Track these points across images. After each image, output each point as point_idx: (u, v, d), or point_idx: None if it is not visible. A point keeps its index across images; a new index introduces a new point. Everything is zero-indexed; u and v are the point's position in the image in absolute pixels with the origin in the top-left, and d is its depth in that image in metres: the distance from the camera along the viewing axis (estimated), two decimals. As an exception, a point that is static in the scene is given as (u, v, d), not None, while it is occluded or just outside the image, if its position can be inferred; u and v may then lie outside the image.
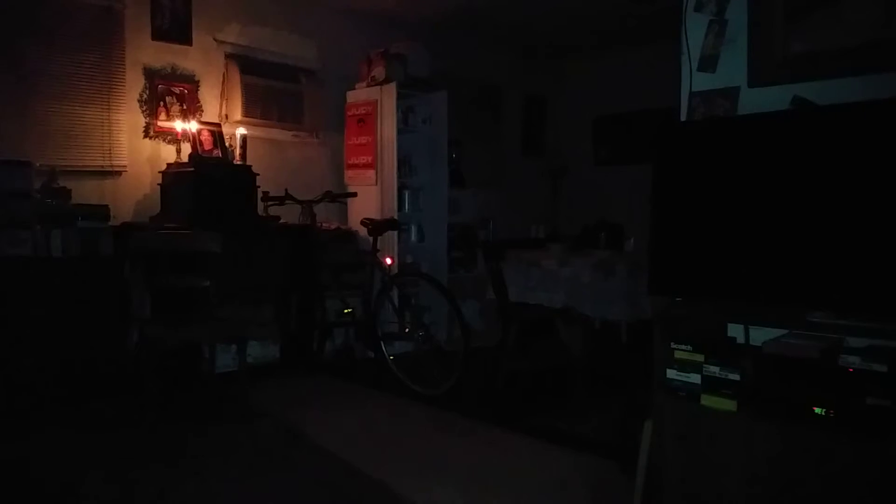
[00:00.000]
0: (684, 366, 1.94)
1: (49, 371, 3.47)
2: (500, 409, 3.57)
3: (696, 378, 1.92)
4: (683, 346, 1.96)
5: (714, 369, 1.89)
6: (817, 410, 1.70)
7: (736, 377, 1.85)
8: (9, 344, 3.40)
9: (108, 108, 4.15)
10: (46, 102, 3.92)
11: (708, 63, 2.48)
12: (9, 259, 3.43)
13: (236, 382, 3.68)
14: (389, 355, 4.14)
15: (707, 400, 1.89)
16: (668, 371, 1.97)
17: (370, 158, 4.96)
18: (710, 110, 2.44)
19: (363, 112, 5.00)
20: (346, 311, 4.38)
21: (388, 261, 4.56)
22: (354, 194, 4.87)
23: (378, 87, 4.89)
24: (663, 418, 2.00)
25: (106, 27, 4.13)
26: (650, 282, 2.16)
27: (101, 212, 3.79)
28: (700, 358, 1.92)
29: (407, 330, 4.18)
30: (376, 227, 4.27)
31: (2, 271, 3.43)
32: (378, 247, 4.31)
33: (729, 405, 1.84)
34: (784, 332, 1.93)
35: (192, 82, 4.55)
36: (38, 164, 3.71)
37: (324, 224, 4.73)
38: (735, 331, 2.15)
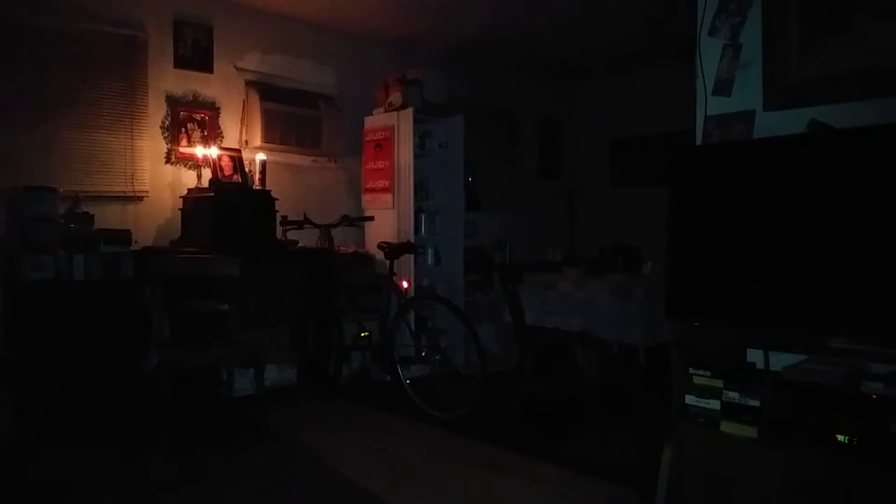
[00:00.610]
0: (703, 391, 1.93)
1: (70, 392, 3.51)
2: (516, 435, 3.54)
3: (715, 404, 1.90)
4: (702, 372, 1.94)
5: (734, 395, 1.87)
6: (840, 438, 1.68)
7: (756, 403, 1.83)
8: (31, 366, 3.45)
9: (131, 135, 4.24)
10: (71, 129, 4.01)
11: (723, 87, 2.49)
12: (32, 283, 3.48)
13: (254, 406, 3.69)
14: (406, 379, 4.13)
15: (727, 426, 1.87)
16: (687, 397, 1.96)
17: (387, 183, 5.00)
18: (726, 134, 2.44)
19: (380, 137, 5.05)
20: (362, 334, 4.39)
21: (405, 284, 4.57)
22: (371, 218, 4.90)
23: (395, 113, 4.95)
24: (683, 445, 1.97)
25: (130, 56, 4.23)
26: (667, 306, 2.15)
27: (123, 236, 3.85)
28: (719, 383, 1.90)
29: (423, 353, 4.17)
30: (393, 251, 4.29)
31: (25, 295, 3.50)
32: (395, 270, 4.33)
33: (749, 432, 1.82)
34: (804, 357, 1.91)
35: (213, 109, 4.64)
36: (62, 190, 3.78)
37: (341, 248, 4.76)
38: (754, 356, 2.12)
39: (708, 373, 1.93)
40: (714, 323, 2.08)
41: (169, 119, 4.43)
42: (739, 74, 2.45)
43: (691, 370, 1.95)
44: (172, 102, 4.44)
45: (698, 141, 2.55)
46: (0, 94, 3.75)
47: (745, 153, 2.14)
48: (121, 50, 4.19)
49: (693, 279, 2.09)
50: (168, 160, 4.43)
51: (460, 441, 3.47)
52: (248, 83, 4.81)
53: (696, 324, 2.12)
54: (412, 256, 4.74)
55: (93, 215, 3.83)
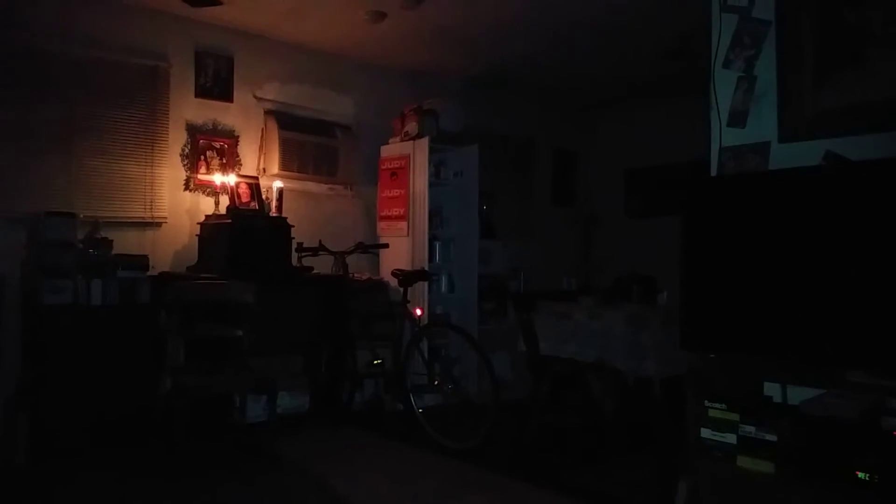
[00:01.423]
0: (719, 425, 1.90)
1: (85, 416, 3.52)
2: (530, 466, 3.50)
3: (731, 438, 1.87)
4: (718, 405, 1.92)
5: (750, 429, 1.84)
6: (861, 475, 1.64)
7: (773, 438, 1.80)
8: (47, 389, 3.47)
9: (152, 162, 4.31)
10: (94, 156, 4.08)
11: (737, 118, 2.50)
12: (50, 307, 3.52)
13: (265, 432, 3.68)
14: (419, 408, 4.11)
15: (743, 461, 1.83)
16: (703, 430, 1.93)
17: (402, 210, 5.03)
18: (741, 165, 2.44)
19: (396, 166, 5.10)
20: (375, 361, 4.38)
21: (419, 312, 4.57)
22: (386, 245, 4.92)
23: (411, 142, 5.00)
24: (698, 479, 1.94)
25: (152, 86, 4.32)
26: (682, 337, 2.13)
27: (141, 262, 3.90)
28: (735, 417, 1.87)
29: (436, 382, 4.15)
30: (407, 278, 4.29)
31: (43, 319, 3.54)
32: (408, 298, 4.33)
33: (766, 467, 1.79)
34: (822, 391, 1.88)
35: (232, 137, 4.71)
36: (82, 216, 3.84)
37: (356, 274, 4.78)
38: (771, 389, 2.09)
39: (724, 406, 1.90)
40: (730, 355, 2.06)
41: (189, 147, 4.50)
42: (754, 106, 2.46)
43: (707, 403, 1.93)
44: (192, 131, 4.52)
45: (713, 172, 2.55)
46: (27, 122, 3.84)
47: (761, 184, 2.13)
48: (144, 80, 4.29)
49: (709, 310, 2.07)
50: (187, 187, 4.49)
51: (474, 472, 3.43)
52: (267, 112, 4.89)
53: (711, 356, 2.10)
54: (426, 284, 4.74)
55: (111, 241, 3.88)
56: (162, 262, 4.25)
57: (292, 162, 4.97)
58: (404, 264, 4.80)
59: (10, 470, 3.35)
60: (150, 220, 4.31)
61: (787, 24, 2.39)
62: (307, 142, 5.07)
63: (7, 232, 3.73)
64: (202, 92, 4.57)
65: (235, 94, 4.72)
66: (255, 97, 4.83)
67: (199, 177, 4.53)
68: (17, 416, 3.47)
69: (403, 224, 5.02)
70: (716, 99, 2.55)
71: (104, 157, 4.12)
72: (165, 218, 4.37)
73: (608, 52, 5.14)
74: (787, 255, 1.92)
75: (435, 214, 5.14)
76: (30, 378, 3.58)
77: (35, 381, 3.53)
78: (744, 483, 1.83)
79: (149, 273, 3.92)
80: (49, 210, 3.70)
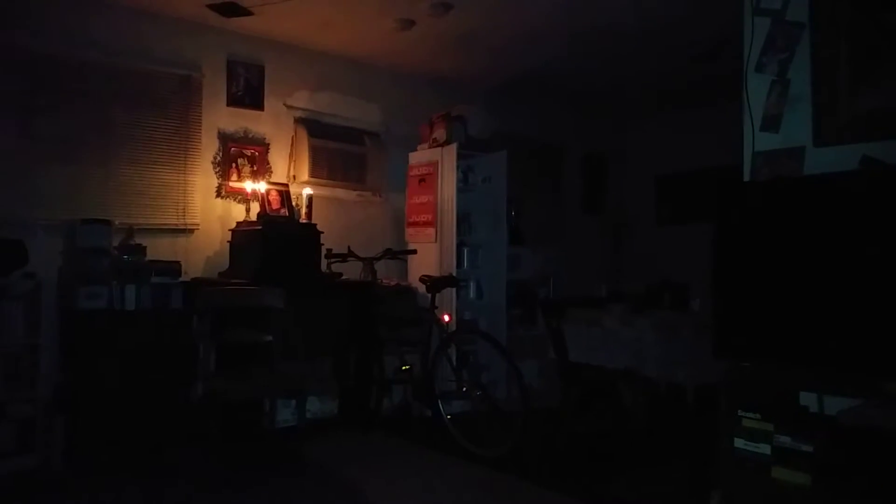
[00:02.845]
0: (753, 435, 1.86)
1: (119, 420, 3.58)
2: (559, 474, 3.46)
3: (765, 448, 1.83)
4: (752, 414, 1.88)
5: (785, 440, 1.80)
6: (901, 488, 1.59)
7: (809, 449, 1.76)
8: (83, 393, 3.54)
9: (185, 170, 4.38)
10: (128, 164, 4.17)
11: (771, 123, 2.45)
12: (86, 312, 3.60)
13: (295, 437, 3.70)
14: (447, 414, 4.10)
15: (778, 472, 1.79)
16: (736, 440, 1.89)
17: (430, 217, 5.04)
18: (775, 170, 2.39)
19: (424, 172, 5.11)
20: (404, 367, 4.39)
21: (446, 318, 4.57)
22: (414, 251, 4.94)
23: (439, 149, 5.01)
24: (731, 490, 1.90)
25: (185, 95, 4.40)
26: (715, 345, 2.10)
27: (174, 268, 3.96)
28: (770, 427, 1.83)
29: (464, 389, 4.13)
30: (435, 284, 4.29)
31: (79, 323, 3.61)
32: (436, 304, 4.33)
33: (802, 479, 1.75)
34: (860, 401, 1.83)
35: (263, 145, 4.77)
36: (117, 222, 3.92)
37: (384, 280, 4.80)
38: (807, 399, 2.04)
39: (758, 415, 1.86)
40: (765, 363, 2.02)
41: (220, 155, 4.57)
42: (788, 110, 2.41)
43: (740, 412, 1.89)
44: (224, 139, 4.59)
45: (746, 177, 2.51)
46: (63, 131, 3.93)
47: (796, 189, 2.09)
48: (177, 89, 4.37)
49: (742, 318, 2.04)
50: (218, 194, 4.56)
51: (503, 480, 3.41)
52: (297, 120, 4.95)
53: (745, 364, 2.06)
54: (454, 290, 4.74)
55: (145, 247, 3.95)
56: (194, 268, 4.32)
57: (322, 169, 5.02)
58: (432, 270, 4.80)
59: (48, 473, 3.42)
60: (183, 227, 4.38)
61: (821, 27, 2.34)
62: (336, 149, 5.11)
63: (45, 239, 3.82)
64: (234, 101, 4.64)
65: (266, 102, 4.78)
66: (286, 105, 4.89)
67: (231, 184, 4.60)
68: (54, 420, 3.54)
69: (431, 230, 5.03)
70: (748, 103, 2.51)
71: (138, 165, 4.21)
72: (198, 225, 4.44)
73: (638, 58, 5.10)
74: (823, 262, 1.87)
75: (463, 220, 5.14)
76: (66, 382, 3.65)
77: (71, 385, 3.61)
78: (779, 495, 1.78)
79: (181, 279, 3.97)
80: (85, 217, 3.78)
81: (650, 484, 3.31)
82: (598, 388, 4.10)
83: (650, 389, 3.74)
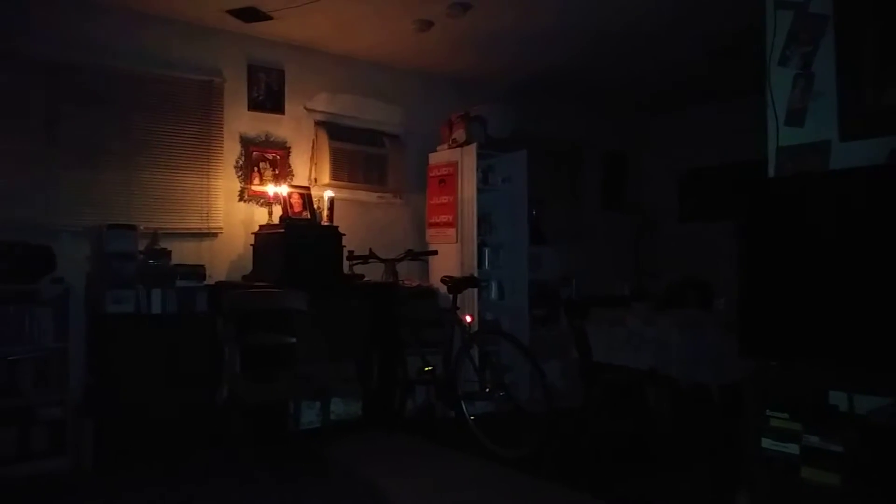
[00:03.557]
0: (781, 434, 1.83)
1: (146, 422, 3.63)
2: (584, 475, 3.44)
3: (793, 448, 1.80)
4: (779, 414, 1.85)
5: (814, 439, 1.77)
6: (934, 488, 1.56)
7: (839, 449, 1.72)
8: (111, 395, 3.60)
9: (207, 174, 4.43)
10: (152, 170, 4.23)
11: (795, 117, 2.42)
12: (113, 315, 3.65)
13: (319, 438, 3.72)
14: (470, 415, 4.09)
15: (807, 472, 1.76)
16: (764, 440, 1.86)
17: (451, 217, 5.04)
18: (800, 165, 2.36)
19: (444, 173, 5.12)
20: (426, 368, 4.39)
21: (468, 318, 4.56)
22: (435, 252, 4.94)
23: (459, 149, 5.01)
24: (759, 490, 1.87)
25: (207, 100, 4.45)
26: (741, 343, 2.07)
27: (198, 271, 4.00)
28: (798, 426, 1.80)
29: (487, 389, 4.12)
30: (456, 285, 4.29)
31: (106, 327, 3.67)
32: (458, 304, 4.33)
33: (832, 479, 1.72)
34: (891, 400, 1.79)
35: (284, 148, 4.81)
36: (142, 227, 3.97)
37: (405, 282, 4.81)
38: (836, 398, 2.01)
39: (786, 415, 1.83)
40: (792, 362, 1.99)
41: (243, 159, 4.62)
42: (812, 104, 2.37)
43: (768, 412, 1.86)
44: (246, 143, 4.63)
45: (770, 173, 2.47)
46: (88, 137, 4.00)
47: (823, 184, 2.06)
48: (199, 94, 4.42)
49: (769, 315, 2.01)
50: (241, 198, 4.61)
51: (528, 481, 3.40)
52: (318, 123, 4.98)
53: (772, 362, 2.03)
54: (475, 290, 4.73)
55: (170, 251, 4.00)
56: (218, 271, 4.36)
57: (342, 171, 5.05)
58: (453, 271, 4.80)
59: (79, 475, 3.48)
60: (207, 231, 4.43)
61: (846, 18, 2.30)
62: (356, 151, 5.14)
63: (72, 244, 3.88)
64: (255, 105, 4.68)
65: (287, 106, 4.82)
66: (306, 109, 4.92)
67: (253, 188, 4.64)
68: (83, 422, 3.60)
69: (452, 231, 5.03)
70: (772, 98, 2.47)
71: (162, 170, 4.26)
72: (221, 228, 4.49)
73: (658, 53, 5.05)
74: (852, 258, 1.84)
75: (483, 220, 5.13)
76: (94, 385, 3.71)
77: (99, 388, 3.66)
78: (808, 495, 1.75)
79: (206, 282, 4.02)
80: (111, 223, 3.83)
81: (675, 484, 3.28)
82: (622, 388, 4.07)
83: (674, 389, 3.70)
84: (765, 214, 2.08)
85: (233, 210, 4.56)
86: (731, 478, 2.11)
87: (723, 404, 3.90)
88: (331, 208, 4.56)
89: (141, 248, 3.90)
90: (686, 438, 3.74)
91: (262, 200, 4.62)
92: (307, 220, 4.47)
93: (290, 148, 4.84)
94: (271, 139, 4.75)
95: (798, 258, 1.97)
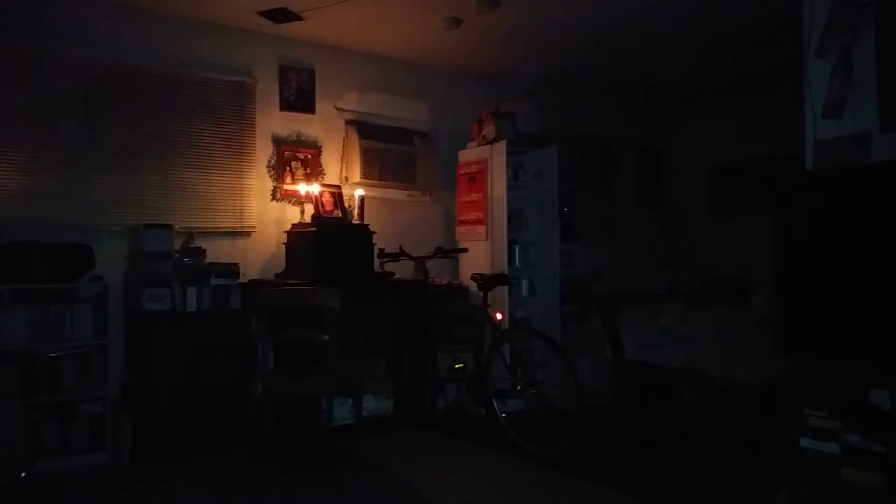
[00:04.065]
0: (820, 434, 1.79)
1: (182, 418, 3.70)
2: (617, 473, 3.41)
3: (833, 447, 1.76)
4: (819, 412, 1.81)
5: (855, 439, 1.73)
6: (983, 490, 1.51)
7: (882, 449, 1.68)
8: (149, 392, 3.67)
9: (240, 174, 4.49)
10: (186, 170, 4.30)
11: (834, 109, 2.35)
12: (150, 313, 3.73)
13: (351, 434, 3.75)
14: (501, 412, 4.08)
15: (848, 472, 1.72)
16: (802, 439, 1.83)
17: (481, 215, 5.03)
18: (839, 158, 2.30)
19: (474, 170, 5.11)
20: (457, 365, 4.39)
21: (499, 316, 4.55)
22: (465, 250, 4.93)
23: (489, 146, 4.99)
24: (798, 490, 1.84)
25: (239, 101, 4.51)
26: (778, 340, 2.03)
27: (233, 270, 4.06)
28: (838, 425, 1.76)
29: (519, 387, 4.11)
30: (486, 282, 4.28)
31: (144, 324, 3.74)
32: (488, 302, 4.32)
33: (875, 480, 1.68)
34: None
35: (315, 148, 4.85)
36: (178, 227, 4.04)
37: (436, 279, 4.81)
38: (877, 396, 1.95)
39: (825, 413, 1.79)
40: (831, 359, 1.94)
41: (275, 158, 4.67)
42: (852, 95, 2.31)
43: (807, 410, 1.82)
44: (278, 143, 4.69)
45: (808, 166, 2.42)
46: (124, 139, 4.08)
47: (864, 177, 2.01)
48: (232, 95, 4.48)
49: (807, 312, 1.96)
50: (273, 197, 4.66)
51: (558, 478, 3.38)
52: (348, 122, 5.01)
53: (810, 360, 1.99)
54: (506, 288, 4.72)
55: (205, 250, 4.06)
56: (252, 269, 4.42)
57: (373, 170, 5.07)
58: (483, 268, 4.79)
59: (117, 470, 3.56)
60: (240, 230, 4.49)
61: (887, 6, 2.24)
62: (387, 150, 5.16)
63: (111, 244, 3.97)
64: (286, 105, 4.73)
65: (317, 105, 4.86)
66: (336, 108, 4.95)
67: (285, 187, 4.69)
68: (122, 418, 3.68)
69: (482, 228, 5.02)
70: (810, 89, 2.42)
71: (196, 170, 4.33)
72: (254, 227, 4.54)
73: (691, 46, 4.97)
74: (894, 252, 1.79)
75: (514, 217, 5.11)
76: (132, 381, 3.79)
77: (137, 384, 3.74)
78: (848, 496, 1.71)
79: (239, 280, 4.08)
80: (147, 222, 3.91)
81: (711, 484, 3.22)
82: (656, 385, 4.02)
83: (709, 387, 3.65)
84: (803, 209, 2.03)
85: (265, 209, 4.62)
86: (768, 477, 2.07)
87: (759, 402, 3.83)
88: (361, 206, 4.59)
89: (177, 247, 3.97)
90: (722, 437, 3.68)
91: (294, 199, 4.67)
92: (338, 218, 4.51)
93: (321, 147, 4.88)
94: (302, 138, 4.80)
95: (838, 253, 1.92)
